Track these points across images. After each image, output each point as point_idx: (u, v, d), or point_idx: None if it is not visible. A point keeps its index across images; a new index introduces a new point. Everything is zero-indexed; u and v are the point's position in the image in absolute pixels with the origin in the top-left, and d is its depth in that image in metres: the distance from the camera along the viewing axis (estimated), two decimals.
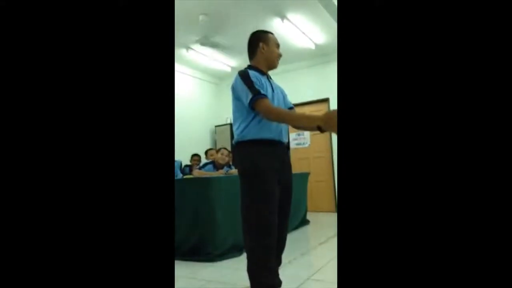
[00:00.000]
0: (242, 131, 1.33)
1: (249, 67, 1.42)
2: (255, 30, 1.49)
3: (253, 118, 1.31)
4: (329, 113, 1.08)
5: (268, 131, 1.31)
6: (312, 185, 4.64)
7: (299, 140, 5.13)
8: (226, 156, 3.63)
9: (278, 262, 1.42)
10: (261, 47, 1.41)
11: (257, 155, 1.28)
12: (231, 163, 3.80)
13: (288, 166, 1.44)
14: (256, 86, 1.27)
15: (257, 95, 1.25)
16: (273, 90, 1.39)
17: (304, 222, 3.84)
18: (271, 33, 1.47)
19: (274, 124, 1.33)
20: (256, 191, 1.27)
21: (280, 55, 1.46)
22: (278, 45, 1.46)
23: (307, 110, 5.13)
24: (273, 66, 1.45)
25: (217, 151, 3.78)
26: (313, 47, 4.47)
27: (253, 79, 1.29)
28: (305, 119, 1.26)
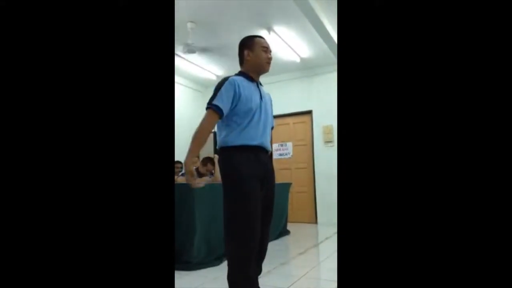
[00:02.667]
0: (226, 136, 1.33)
1: (239, 73, 1.44)
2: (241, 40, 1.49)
3: (237, 125, 1.32)
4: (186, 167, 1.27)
5: (251, 137, 1.33)
6: (293, 195, 4.67)
7: (281, 151, 5.17)
8: (208, 170, 3.61)
9: (259, 270, 1.42)
10: (246, 55, 1.41)
11: (241, 162, 1.29)
12: (212, 171, 3.78)
13: (272, 173, 1.44)
14: (218, 96, 1.29)
15: (209, 104, 1.30)
16: (261, 99, 1.40)
17: (284, 232, 3.84)
18: (259, 37, 1.46)
19: (258, 131, 1.35)
20: (240, 197, 1.27)
21: (268, 58, 1.41)
22: (266, 48, 1.41)
23: (290, 121, 5.19)
24: (262, 70, 1.43)
25: (202, 163, 3.72)
26: (298, 60, 4.56)
27: (225, 90, 1.30)
28: (187, 159, 1.30)
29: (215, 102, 1.29)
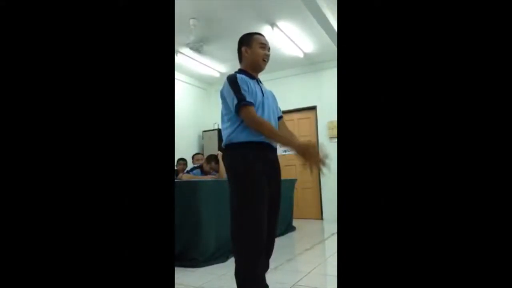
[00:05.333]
0: (231, 133, 1.33)
1: (239, 71, 1.43)
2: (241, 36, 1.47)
3: (242, 121, 1.32)
4: (306, 145, 1.16)
5: (257, 134, 1.32)
6: (298, 192, 4.67)
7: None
8: (212, 168, 3.61)
9: (266, 267, 1.42)
10: (244, 51, 1.41)
11: (247, 158, 1.29)
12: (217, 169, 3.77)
13: (278, 169, 1.44)
14: (243, 92, 1.27)
15: (242, 101, 1.25)
16: (263, 95, 1.39)
17: (290, 228, 3.84)
18: (257, 34, 1.43)
19: None
20: (246, 193, 1.27)
21: (266, 55, 1.40)
22: (263, 45, 1.40)
23: (294, 117, 5.18)
24: (258, 68, 1.41)
25: (207, 161, 3.71)
26: (301, 55, 4.53)
27: (241, 84, 1.29)
28: (283, 141, 1.27)
29: (248, 99, 1.26)
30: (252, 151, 1.30)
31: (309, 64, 4.94)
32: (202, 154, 4.43)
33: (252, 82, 1.37)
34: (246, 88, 1.29)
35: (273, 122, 1.42)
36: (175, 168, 4.23)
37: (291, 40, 4.05)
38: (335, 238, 3.34)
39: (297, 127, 5.15)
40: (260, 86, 1.42)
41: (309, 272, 2.15)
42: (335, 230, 3.78)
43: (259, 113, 1.33)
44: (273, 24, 3.64)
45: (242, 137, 1.31)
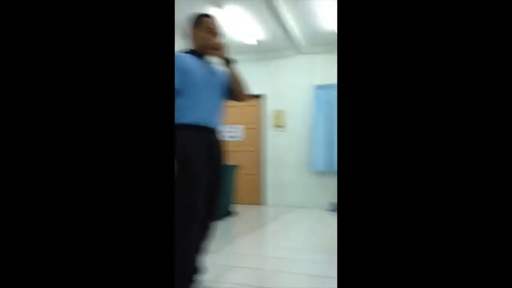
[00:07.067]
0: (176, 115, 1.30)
1: (190, 51, 1.40)
2: (189, 16, 1.44)
3: (182, 103, 1.29)
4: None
5: (191, 115, 1.30)
6: (241, 178, 4.73)
7: (232, 133, 5.18)
8: None
9: (204, 249, 1.44)
10: (192, 33, 1.40)
11: (183, 140, 1.27)
12: None
13: (218, 152, 1.44)
14: None
15: None
16: (211, 76, 1.38)
17: (231, 213, 3.91)
18: (207, 16, 1.40)
19: (205, 109, 1.33)
20: (182, 175, 1.27)
21: (215, 43, 1.36)
22: (211, 30, 1.36)
23: (242, 103, 5.18)
24: (203, 53, 1.38)
25: None
26: (253, 42, 4.52)
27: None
28: None
29: None
30: (188, 134, 1.29)
31: (260, 51, 4.96)
32: None
33: (193, 62, 1.34)
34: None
35: (217, 107, 1.41)
36: None
37: (240, 26, 4.01)
38: (275, 222, 3.48)
39: (243, 114, 5.18)
40: (209, 67, 1.40)
41: (248, 254, 2.22)
42: (276, 214, 3.93)
43: (196, 93, 1.31)
44: (220, 5, 3.56)
45: (184, 119, 1.29)
